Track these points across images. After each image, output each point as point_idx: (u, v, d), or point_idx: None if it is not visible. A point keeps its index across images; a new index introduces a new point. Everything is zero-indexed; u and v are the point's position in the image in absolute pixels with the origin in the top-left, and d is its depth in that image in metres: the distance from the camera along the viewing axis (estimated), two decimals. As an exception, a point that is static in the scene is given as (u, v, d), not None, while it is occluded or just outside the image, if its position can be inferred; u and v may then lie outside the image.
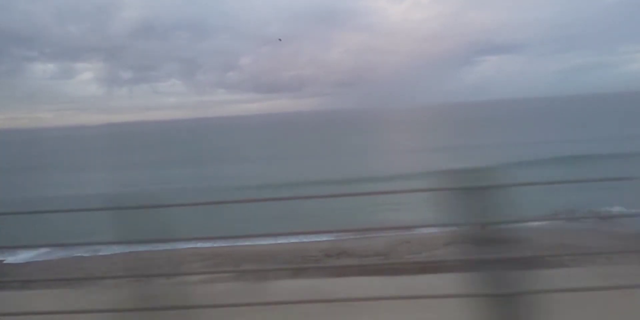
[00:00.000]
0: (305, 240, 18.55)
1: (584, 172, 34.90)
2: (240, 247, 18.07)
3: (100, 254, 18.68)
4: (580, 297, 2.17)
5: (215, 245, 17.93)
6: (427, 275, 2.61)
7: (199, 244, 17.10)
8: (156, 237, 2.15)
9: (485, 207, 1.96)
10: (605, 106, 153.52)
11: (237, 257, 16.87)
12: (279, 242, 18.76)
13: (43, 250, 19.93)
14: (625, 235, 15.92)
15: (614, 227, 17.73)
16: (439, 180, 1.98)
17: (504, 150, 47.77)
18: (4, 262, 19.15)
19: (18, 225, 19.40)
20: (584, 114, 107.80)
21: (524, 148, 49.19)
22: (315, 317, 2.35)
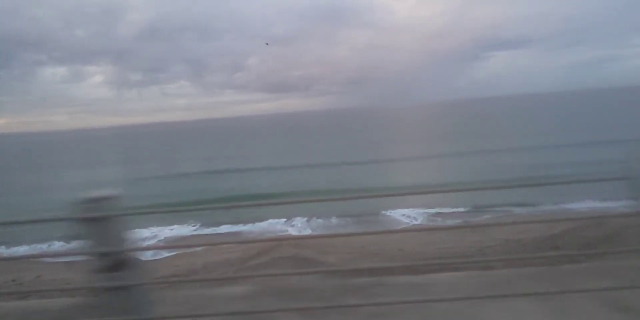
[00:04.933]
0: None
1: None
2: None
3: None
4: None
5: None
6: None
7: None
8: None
9: (109, 235, 2.05)
10: (602, 102, 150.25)
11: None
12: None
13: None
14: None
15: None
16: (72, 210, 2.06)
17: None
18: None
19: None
20: (567, 112, 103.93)
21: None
22: None
